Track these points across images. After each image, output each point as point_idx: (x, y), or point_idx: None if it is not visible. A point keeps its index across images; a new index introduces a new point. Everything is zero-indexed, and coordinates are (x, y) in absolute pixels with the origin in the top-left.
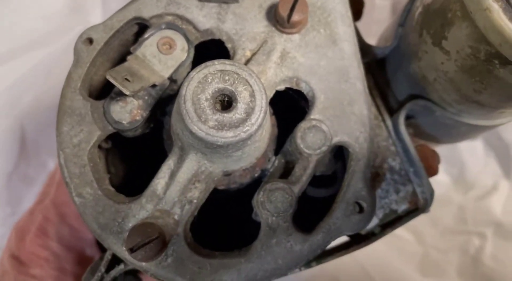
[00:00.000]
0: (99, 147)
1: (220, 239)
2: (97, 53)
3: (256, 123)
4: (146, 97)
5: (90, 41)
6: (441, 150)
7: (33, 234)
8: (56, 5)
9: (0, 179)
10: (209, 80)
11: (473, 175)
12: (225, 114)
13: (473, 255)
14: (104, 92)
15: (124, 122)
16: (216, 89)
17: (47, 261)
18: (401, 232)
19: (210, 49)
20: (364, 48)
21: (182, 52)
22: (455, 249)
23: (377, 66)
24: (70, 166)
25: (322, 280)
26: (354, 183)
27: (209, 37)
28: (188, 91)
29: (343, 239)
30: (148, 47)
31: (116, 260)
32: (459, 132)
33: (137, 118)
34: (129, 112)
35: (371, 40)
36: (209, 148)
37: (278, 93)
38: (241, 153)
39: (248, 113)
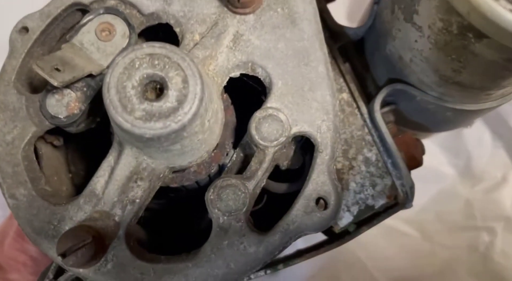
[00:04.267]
0: (53, 145)
1: (181, 244)
2: (33, 43)
3: (190, 112)
4: (85, 89)
5: (26, 30)
6: (445, 140)
7: (11, 238)
8: None
9: None
10: (137, 66)
11: (480, 167)
12: (154, 103)
13: (482, 251)
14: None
15: (61, 116)
16: (144, 76)
17: (24, 265)
18: (406, 228)
19: (159, 36)
20: (336, 30)
21: (122, 38)
22: (463, 246)
23: (355, 50)
24: (3, 165)
25: (322, 280)
26: (315, 177)
27: (156, 22)
28: (112, 78)
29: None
30: (86, 34)
31: None
32: (445, 118)
33: (75, 111)
34: (65, 106)
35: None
36: (140, 141)
37: (240, 83)
38: (181, 146)
39: (180, 101)
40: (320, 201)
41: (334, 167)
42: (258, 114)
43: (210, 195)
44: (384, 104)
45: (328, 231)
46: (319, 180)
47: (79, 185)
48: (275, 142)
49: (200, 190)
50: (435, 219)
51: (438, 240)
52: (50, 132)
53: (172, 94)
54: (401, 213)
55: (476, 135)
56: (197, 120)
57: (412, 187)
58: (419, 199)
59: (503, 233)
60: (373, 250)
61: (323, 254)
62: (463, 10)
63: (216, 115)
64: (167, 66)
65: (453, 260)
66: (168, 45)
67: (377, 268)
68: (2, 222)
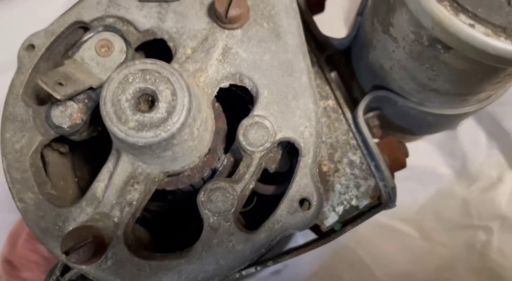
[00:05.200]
0: (59, 152)
1: (179, 243)
2: (39, 59)
3: (178, 121)
4: (86, 101)
5: (32, 47)
6: (441, 142)
7: (24, 239)
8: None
9: (2, 186)
10: (130, 80)
11: (476, 167)
12: (146, 114)
13: (479, 249)
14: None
15: (65, 126)
16: (137, 89)
17: (37, 264)
18: (405, 228)
19: (158, 50)
20: (322, 41)
21: (120, 53)
22: (461, 244)
23: (342, 58)
24: (12, 171)
25: (324, 279)
26: (299, 179)
27: (151, 37)
28: (108, 92)
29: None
30: (87, 50)
31: None
32: (427, 122)
33: (77, 121)
34: (69, 116)
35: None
36: (134, 149)
37: (231, 92)
38: (172, 153)
39: (170, 112)
40: (305, 202)
41: (317, 170)
42: (245, 122)
43: (201, 197)
44: (369, 109)
45: (316, 231)
46: (302, 182)
47: (84, 189)
48: (261, 148)
49: (195, 192)
50: (433, 218)
51: (437, 238)
52: (56, 140)
53: (162, 106)
54: (400, 214)
55: (472, 136)
56: (186, 129)
57: (393, 188)
58: (417, 199)
59: (499, 231)
60: (374, 249)
61: (325, 254)
62: (428, 25)
63: (205, 124)
64: (157, 80)
65: (451, 258)
66: (158, 61)
67: (378, 266)
68: (14, 224)
